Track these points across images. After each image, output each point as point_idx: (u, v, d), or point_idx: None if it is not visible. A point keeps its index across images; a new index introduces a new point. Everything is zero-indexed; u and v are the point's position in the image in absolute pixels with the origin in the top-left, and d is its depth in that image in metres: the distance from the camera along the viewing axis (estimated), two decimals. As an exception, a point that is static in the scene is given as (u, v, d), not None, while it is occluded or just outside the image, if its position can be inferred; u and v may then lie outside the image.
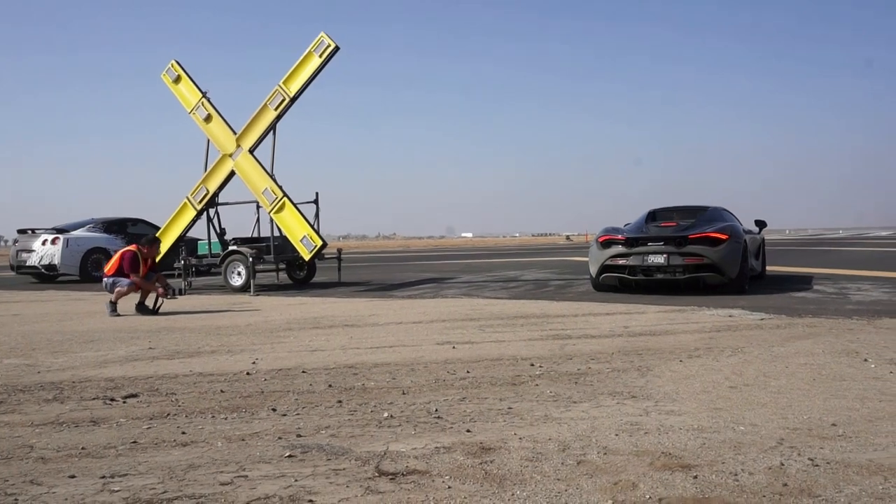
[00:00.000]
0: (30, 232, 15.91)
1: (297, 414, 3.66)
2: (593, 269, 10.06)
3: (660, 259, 9.26)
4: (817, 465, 2.70)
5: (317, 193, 12.75)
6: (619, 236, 9.68)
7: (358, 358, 5.25)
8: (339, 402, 3.90)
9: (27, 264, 15.55)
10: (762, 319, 6.85)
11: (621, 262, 9.56)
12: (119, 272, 9.14)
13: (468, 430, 3.28)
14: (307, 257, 12.11)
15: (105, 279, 9.24)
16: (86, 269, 15.48)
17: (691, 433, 3.16)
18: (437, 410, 3.66)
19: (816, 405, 3.60)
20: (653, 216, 10.47)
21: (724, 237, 9.17)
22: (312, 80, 12.36)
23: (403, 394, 4.07)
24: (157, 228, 14.10)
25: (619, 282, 9.81)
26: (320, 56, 12.21)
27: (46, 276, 15.74)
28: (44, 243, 15.42)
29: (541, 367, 4.74)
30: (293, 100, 12.42)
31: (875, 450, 2.88)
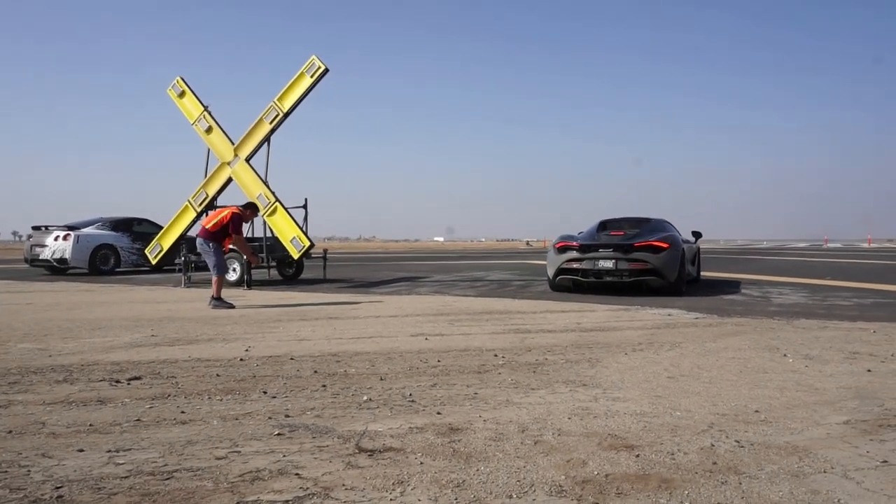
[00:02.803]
0: (43, 229, 15.69)
1: (286, 396, 3.63)
2: (550, 272, 10.21)
3: (609, 264, 9.50)
4: (742, 447, 2.75)
5: (305, 199, 12.65)
6: (574, 243, 9.89)
7: (341, 347, 5.22)
8: (324, 386, 3.88)
9: (40, 258, 15.39)
10: (697, 318, 6.95)
11: (575, 265, 9.76)
12: (221, 231, 8.46)
13: (438, 413, 3.28)
14: (296, 256, 12.03)
15: (200, 240, 8.50)
16: (94, 264, 15.37)
17: (634, 417, 3.19)
18: (411, 395, 3.65)
19: (742, 394, 3.66)
20: (603, 226, 10.65)
21: (665, 245, 9.42)
22: (304, 98, 12.30)
23: (381, 380, 4.06)
24: (161, 227, 13.96)
25: (573, 283, 9.97)
26: (311, 76, 12.15)
27: (58, 269, 15.56)
28: (56, 239, 15.28)
29: (503, 357, 4.76)
30: (286, 115, 12.34)
31: (792, 433, 2.94)
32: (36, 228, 15.85)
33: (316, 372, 4.27)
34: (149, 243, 13.89)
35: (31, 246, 15.63)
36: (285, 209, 12.08)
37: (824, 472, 2.48)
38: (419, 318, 7.05)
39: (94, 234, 15.62)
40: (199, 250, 8.76)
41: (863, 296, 9.53)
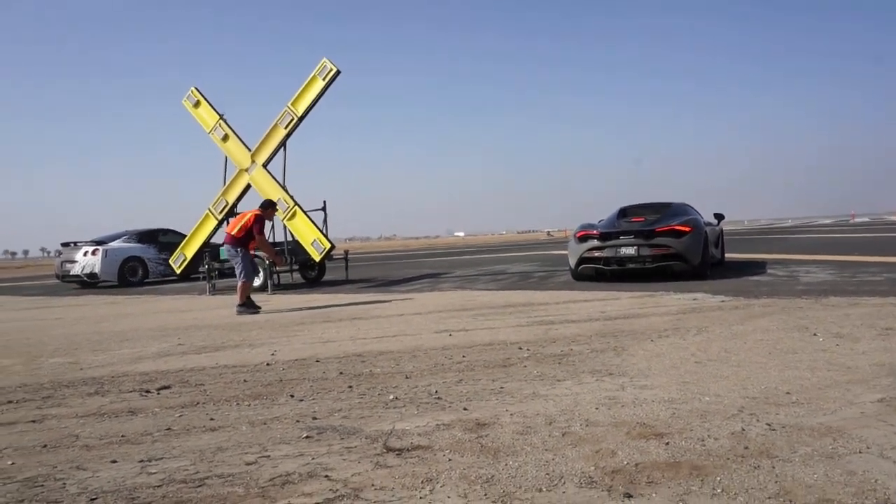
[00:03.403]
0: (72, 245, 16.07)
1: (313, 399, 3.65)
2: (572, 262, 10.13)
3: (631, 251, 9.41)
4: (774, 430, 2.71)
5: (325, 202, 12.73)
6: (595, 231, 9.78)
7: (365, 347, 5.24)
8: (350, 387, 3.90)
9: (71, 273, 15.72)
10: (723, 301, 6.87)
11: (597, 254, 9.67)
12: (247, 235, 8.60)
13: (465, 409, 3.28)
14: (317, 259, 12.11)
15: (227, 247, 8.67)
16: (123, 276, 15.67)
17: (662, 405, 3.16)
18: (437, 392, 3.65)
19: (772, 376, 3.61)
20: (623, 213, 10.52)
21: (687, 229, 9.32)
22: (318, 101, 12.35)
23: (406, 378, 4.06)
24: (184, 237, 14.22)
25: (596, 272, 9.86)
26: (323, 79, 12.20)
27: (88, 284, 15.80)
28: (85, 254, 15.60)
29: (528, 350, 4.75)
30: (301, 119, 12.41)
31: (825, 414, 2.90)
32: (65, 245, 16.22)
33: (342, 373, 4.29)
34: (170, 255, 14.32)
35: (62, 262, 15.98)
36: (304, 212, 12.16)
37: (860, 452, 2.43)
38: (442, 315, 7.05)
39: (121, 248, 15.86)
40: (226, 256, 8.84)
41: (893, 270, 9.35)
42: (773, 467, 2.33)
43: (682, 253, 9.24)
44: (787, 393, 3.26)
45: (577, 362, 4.24)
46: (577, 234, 10.07)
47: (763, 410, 2.99)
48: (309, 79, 12.32)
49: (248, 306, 8.34)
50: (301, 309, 8.55)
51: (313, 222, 12.07)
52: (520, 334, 5.45)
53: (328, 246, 11.94)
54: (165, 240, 16.47)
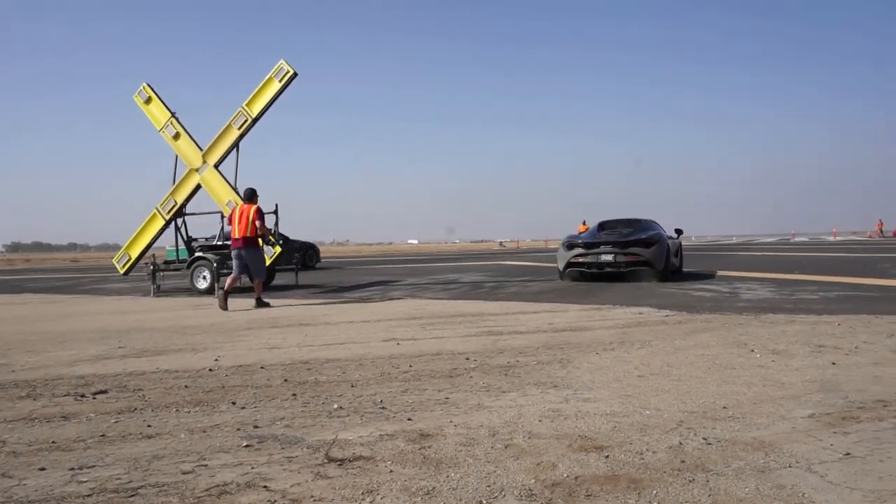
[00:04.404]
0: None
1: (255, 407, 3.59)
2: (561, 265, 12.06)
3: (609, 257, 11.47)
4: (710, 444, 2.78)
5: (276, 205, 12.53)
6: (580, 241, 11.89)
7: (312, 354, 5.18)
8: (294, 395, 3.84)
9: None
10: (667, 316, 7.02)
11: (581, 259, 11.70)
12: (256, 233, 9.45)
13: (409, 419, 3.27)
14: (267, 263, 11.91)
15: (239, 250, 9.44)
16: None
17: (604, 418, 3.21)
18: (381, 401, 3.63)
19: (711, 391, 3.71)
20: (602, 226, 12.77)
21: (654, 241, 11.49)
22: (273, 103, 12.22)
23: (352, 387, 4.03)
24: (284, 238, 16.72)
25: (580, 273, 11.89)
26: (280, 81, 12.08)
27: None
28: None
29: (475, 360, 4.76)
30: (255, 120, 12.25)
31: (758, 428, 2.98)
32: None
33: (286, 380, 4.23)
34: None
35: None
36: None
37: (789, 466, 2.51)
38: (391, 323, 7.02)
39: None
40: (237, 259, 9.52)
41: (828, 289, 9.72)
42: (708, 481, 2.38)
43: (650, 260, 11.31)
44: (724, 407, 3.34)
45: (522, 374, 4.27)
46: (565, 243, 12.04)
47: (700, 424, 3.06)
48: (265, 80, 12.18)
49: (263, 301, 9.36)
50: (248, 313, 8.41)
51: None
52: (468, 345, 5.47)
53: (278, 250, 11.78)
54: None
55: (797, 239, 53.41)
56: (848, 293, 9.11)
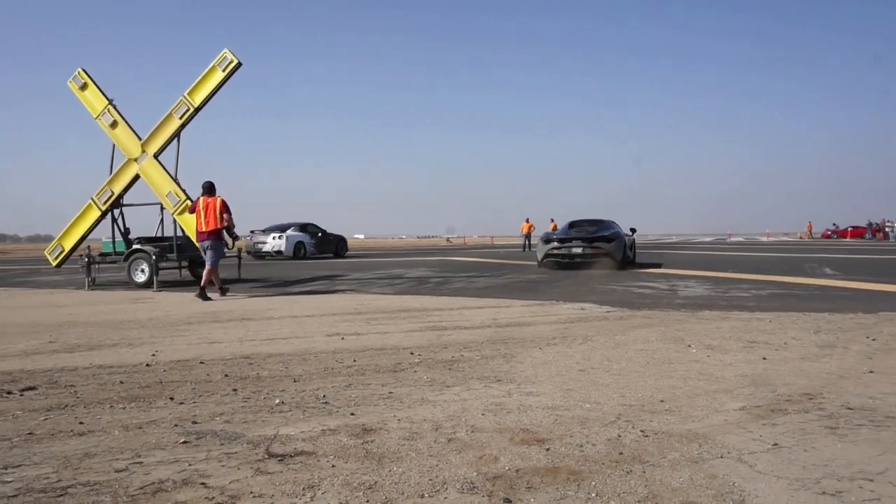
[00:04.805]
0: (261, 231, 23.22)
1: (194, 402, 3.51)
2: (539, 256, 14.93)
3: (578, 250, 14.27)
4: (647, 436, 2.85)
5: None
6: (555, 237, 14.88)
7: (254, 349, 5.09)
8: (235, 390, 3.77)
9: (263, 251, 22.79)
10: (608, 312, 7.17)
11: (556, 251, 14.52)
12: (221, 227, 9.59)
13: (352, 414, 3.25)
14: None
15: (209, 242, 9.51)
16: (296, 253, 22.78)
17: (546, 411, 3.26)
18: (324, 396, 3.60)
19: (649, 384, 3.80)
20: (572, 225, 15.68)
21: (614, 238, 14.36)
22: (216, 93, 11.93)
23: (295, 381, 3.98)
24: (322, 231, 24.18)
25: (555, 263, 14.62)
26: (223, 70, 11.80)
27: (275, 257, 22.50)
28: (274, 238, 22.76)
29: (419, 355, 4.76)
30: (197, 110, 11.94)
31: (693, 421, 3.08)
32: (257, 231, 23.43)
33: (227, 376, 4.15)
34: (318, 240, 23.68)
35: (255, 243, 22.98)
36: (197, 207, 11.68)
37: (721, 457, 2.60)
38: (335, 318, 6.96)
39: (294, 235, 23.20)
40: (206, 249, 9.63)
41: (760, 287, 10.09)
42: (644, 472, 2.45)
43: (611, 252, 14.11)
44: (661, 401, 3.44)
45: (466, 368, 4.30)
46: (543, 239, 15.18)
47: (638, 417, 3.13)
48: (208, 69, 11.88)
49: (222, 290, 9.73)
50: (188, 308, 8.20)
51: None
52: (412, 339, 5.46)
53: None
54: (313, 230, 24.16)
55: (733, 239, 55.24)
56: (778, 291, 9.48)
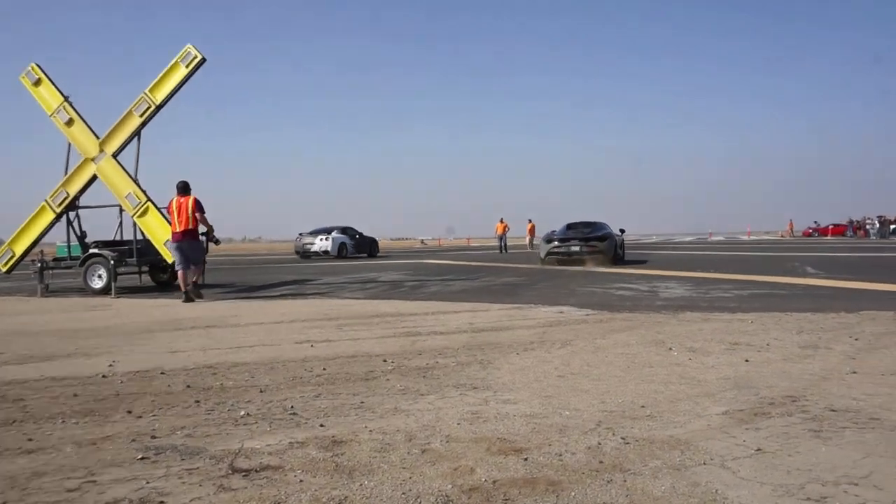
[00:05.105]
0: (309, 233, 27.40)
1: (154, 415, 3.43)
2: (542, 254, 17.79)
3: (576, 248, 17.13)
4: (628, 443, 2.85)
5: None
6: (556, 237, 17.74)
7: (218, 358, 5.01)
8: (197, 401, 3.70)
9: (311, 250, 26.82)
10: (587, 315, 7.20)
11: (556, 249, 17.37)
12: (196, 227, 9.77)
13: (322, 425, 3.20)
14: (170, 260, 11.47)
15: (183, 243, 9.65)
16: (340, 253, 26.63)
17: (524, 419, 3.24)
18: (293, 407, 3.55)
19: (629, 390, 3.81)
20: (569, 226, 18.51)
21: (606, 237, 17.31)
22: (179, 90, 11.78)
23: (261, 392, 3.92)
24: (359, 233, 28.37)
25: (556, 259, 17.23)
26: (187, 66, 11.67)
27: (322, 256, 26.52)
28: (321, 239, 26.77)
29: (392, 362, 4.73)
30: (159, 107, 11.79)
31: (675, 427, 3.08)
32: (305, 233, 27.71)
33: (189, 386, 4.07)
34: (356, 241, 27.81)
35: (304, 244, 27.16)
36: (158, 209, 11.52)
37: (704, 463, 2.60)
38: (305, 324, 6.90)
39: (338, 236, 27.14)
40: (179, 252, 9.71)
41: (742, 287, 10.21)
42: (625, 481, 2.44)
43: (604, 250, 16.92)
44: (642, 406, 3.44)
45: (441, 376, 4.27)
46: (545, 239, 18.21)
47: (619, 424, 3.13)
48: (170, 65, 11.74)
49: (197, 291, 9.89)
50: (148, 315, 8.07)
51: (168, 220, 11.43)
52: (385, 346, 5.43)
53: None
54: (352, 232, 28.21)
55: (714, 238, 55.96)
56: (760, 291, 9.60)
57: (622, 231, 19.68)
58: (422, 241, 72.40)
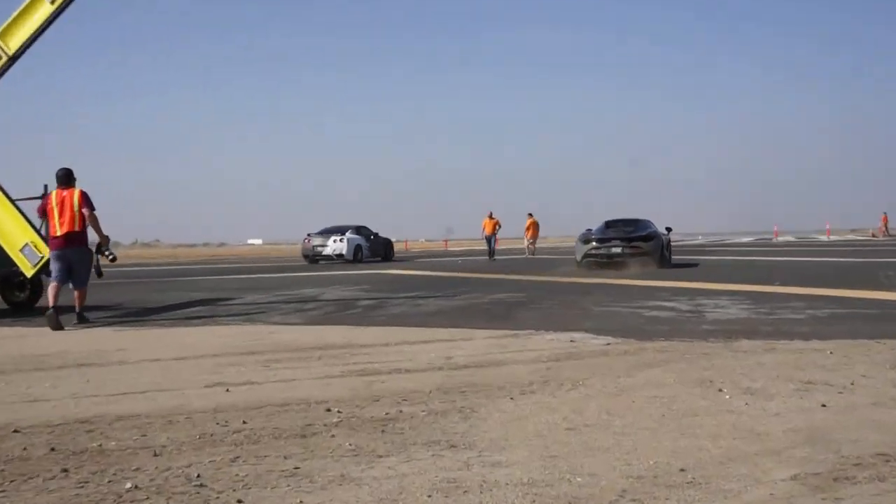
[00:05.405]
0: (322, 235, 31.61)
1: (3, 492, 3.39)
2: (578, 256, 20.58)
3: (617, 249, 19.84)
4: (662, 521, 2.87)
5: (46, 187, 11.97)
6: (593, 237, 20.62)
7: (96, 409, 4.98)
8: (65, 471, 3.67)
9: (323, 254, 30.98)
10: (608, 345, 7.25)
11: (595, 251, 20.21)
12: (84, 228, 10.04)
13: (239, 501, 3.19)
14: (30, 273, 11.33)
15: (66, 251, 9.94)
16: (355, 256, 30.73)
17: (520, 489, 3.25)
18: (199, 476, 3.53)
19: (664, 447, 3.83)
20: (608, 224, 21.42)
21: (652, 237, 20.15)
22: (41, 34, 11.68)
23: (156, 455, 3.89)
24: (374, 233, 32.90)
25: (595, 262, 20.04)
26: (52, 2, 11.55)
27: (335, 261, 30.41)
28: (334, 241, 30.74)
29: (339, 412, 4.72)
30: (13, 59, 11.67)
31: (726, 497, 3.11)
32: (311, 234, 32.15)
33: (54, 450, 4.04)
34: (371, 242, 32.14)
35: (314, 246, 31.44)
36: (13, 202, 11.39)
37: (765, 548, 2.63)
38: (219, 360, 6.87)
39: (353, 238, 31.29)
40: (60, 261, 9.99)
41: (818, 305, 10.35)
42: (658, 573, 2.45)
43: (649, 252, 19.63)
44: (682, 470, 3.47)
45: (407, 430, 4.28)
46: (582, 239, 20.99)
47: (650, 494, 3.15)
48: (27, 2, 11.62)
49: (83, 317, 10.22)
50: (15, 341, 7.98)
51: (27, 219, 11.31)
52: (330, 390, 5.43)
53: (47, 255, 11.23)
54: (366, 232, 32.66)
55: (780, 238, 56.66)
56: (842, 311, 9.74)
57: (668, 230, 22.48)
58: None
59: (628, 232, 20.43)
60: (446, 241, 71.08)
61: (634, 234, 20.15)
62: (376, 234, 33.18)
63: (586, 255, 20.23)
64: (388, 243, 33.99)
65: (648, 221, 21.83)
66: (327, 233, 31.54)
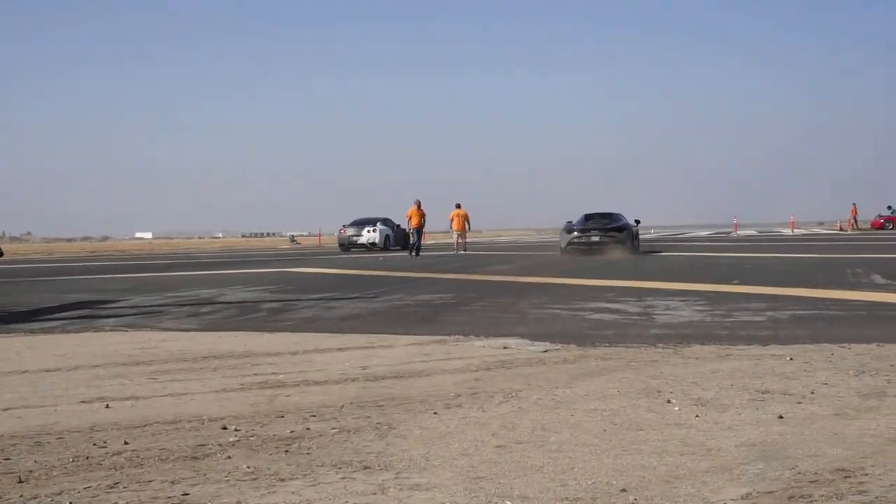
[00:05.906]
0: (356, 226, 40.05)
1: None
2: (563, 244, 27.93)
3: (596, 238, 27.24)
4: (599, 548, 2.92)
5: None
6: (576, 227, 28.09)
7: (-50, 430, 4.86)
8: (-90, 502, 3.58)
9: (358, 243, 39.10)
10: (545, 352, 7.32)
11: (577, 240, 27.59)
12: None
13: (118, 533, 3.16)
14: None
15: None
16: (384, 245, 38.72)
17: (441, 515, 3.27)
18: (71, 505, 3.48)
19: (605, 465, 3.89)
20: (587, 217, 28.84)
21: (624, 228, 27.88)
22: None
23: (21, 482, 3.83)
24: (398, 225, 39.51)
25: (577, 249, 27.16)
26: None
27: (369, 249, 38.39)
28: (368, 231, 38.92)
29: (237, 430, 4.70)
30: None
31: (671, 521, 3.17)
32: (346, 224, 40.96)
33: None
34: (395, 233, 39.83)
35: (349, 236, 39.80)
36: None
37: (712, 575, 2.69)
38: (98, 372, 6.77)
39: (383, 228, 39.34)
40: None
41: (779, 306, 10.59)
42: None
43: (622, 240, 26.88)
44: (623, 490, 3.53)
45: (314, 449, 4.27)
46: (566, 229, 28.23)
47: (587, 518, 3.20)
48: None
49: None
50: None
51: None
52: (227, 405, 5.39)
53: None
54: (391, 224, 40.32)
55: (741, 232, 57.74)
56: (805, 312, 9.98)
57: (637, 222, 30.11)
58: (292, 239, 71.89)
59: (605, 224, 27.94)
60: (319, 235, 70.73)
61: (610, 226, 27.64)
62: (398, 226, 39.75)
63: (570, 243, 27.46)
64: (406, 234, 38.21)
65: (620, 215, 29.42)
66: (359, 224, 40.06)
